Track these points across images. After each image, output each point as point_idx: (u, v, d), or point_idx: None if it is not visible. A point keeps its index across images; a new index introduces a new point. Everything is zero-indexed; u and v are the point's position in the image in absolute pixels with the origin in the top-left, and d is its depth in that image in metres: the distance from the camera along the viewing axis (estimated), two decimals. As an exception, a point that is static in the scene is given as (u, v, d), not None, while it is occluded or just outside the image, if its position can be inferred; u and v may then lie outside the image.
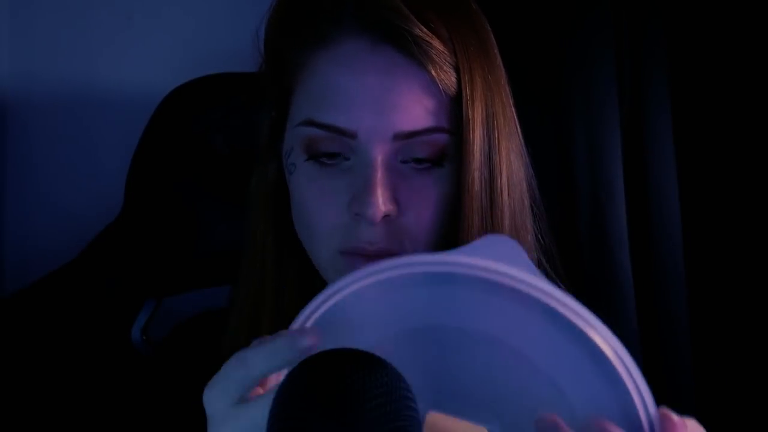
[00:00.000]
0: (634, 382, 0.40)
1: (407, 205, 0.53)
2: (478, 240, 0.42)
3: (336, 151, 0.53)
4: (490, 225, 0.54)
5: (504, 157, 0.55)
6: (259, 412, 0.39)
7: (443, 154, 0.53)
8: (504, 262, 0.40)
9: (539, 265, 0.60)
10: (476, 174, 0.53)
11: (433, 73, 0.51)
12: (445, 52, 0.52)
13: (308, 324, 0.41)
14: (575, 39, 0.90)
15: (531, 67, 0.91)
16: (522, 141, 0.59)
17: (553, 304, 0.40)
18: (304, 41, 0.54)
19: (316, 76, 0.53)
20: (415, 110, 0.51)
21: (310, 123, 0.53)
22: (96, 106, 1.02)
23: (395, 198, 0.53)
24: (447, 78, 0.52)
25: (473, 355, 0.41)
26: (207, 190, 0.80)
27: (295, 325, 0.41)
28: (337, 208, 0.53)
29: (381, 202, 0.51)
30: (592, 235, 0.89)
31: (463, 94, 0.53)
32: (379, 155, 0.52)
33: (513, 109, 0.58)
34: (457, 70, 0.53)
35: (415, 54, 0.51)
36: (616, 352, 0.40)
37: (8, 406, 0.77)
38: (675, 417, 0.41)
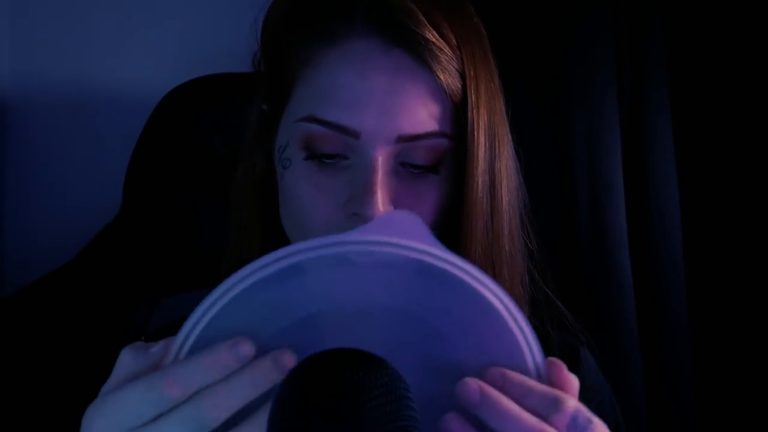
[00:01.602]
0: (522, 331, 0.41)
1: (402, 207, 0.53)
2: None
3: (335, 152, 0.53)
4: (491, 230, 0.54)
5: (504, 164, 0.56)
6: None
7: (441, 160, 0.53)
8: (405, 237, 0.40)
9: (528, 271, 0.60)
10: (480, 180, 0.53)
11: (441, 77, 0.51)
12: (453, 58, 0.52)
13: (187, 343, 0.39)
14: (575, 39, 0.90)
15: (531, 67, 0.91)
16: (514, 149, 0.59)
17: (429, 260, 0.40)
18: (312, 36, 0.54)
19: (322, 72, 0.52)
20: (420, 114, 0.51)
21: (312, 119, 0.52)
22: (96, 106, 1.02)
23: (392, 200, 0.53)
24: (454, 83, 0.52)
25: (365, 330, 0.41)
26: (205, 189, 0.80)
27: (176, 343, 0.39)
28: (331, 207, 0.53)
29: (381, 203, 0.51)
30: (592, 235, 0.89)
31: (469, 101, 0.53)
32: (380, 156, 0.51)
33: (507, 120, 0.58)
34: (462, 76, 0.53)
35: (425, 58, 0.51)
36: (501, 302, 0.41)
37: (8, 406, 0.77)
38: (560, 362, 0.42)
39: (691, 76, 0.92)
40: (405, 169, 0.53)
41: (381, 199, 0.51)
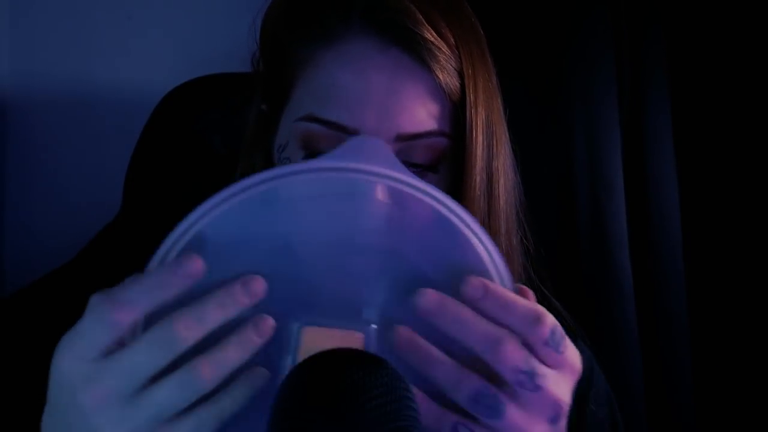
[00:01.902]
0: (489, 254, 0.42)
1: None
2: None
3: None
4: (488, 229, 0.54)
5: (501, 163, 0.56)
6: (143, 357, 0.37)
7: (440, 159, 0.54)
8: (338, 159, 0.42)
9: (524, 269, 0.60)
10: (477, 179, 0.53)
11: (440, 76, 0.51)
12: (452, 57, 0.53)
13: (172, 254, 0.40)
14: (575, 39, 0.90)
15: (531, 67, 0.91)
16: (511, 148, 0.59)
17: (399, 186, 0.42)
18: (310, 36, 0.54)
19: (321, 72, 0.53)
20: (419, 113, 0.51)
21: (311, 118, 0.52)
22: (96, 106, 1.02)
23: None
24: (452, 82, 0.52)
25: (334, 261, 0.42)
26: (205, 190, 0.80)
27: (157, 257, 0.41)
28: None
29: None
30: (592, 235, 0.89)
31: (468, 100, 0.53)
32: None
33: (505, 119, 0.58)
34: (461, 75, 0.53)
35: (423, 57, 0.51)
36: (468, 226, 0.42)
37: (8, 406, 0.77)
38: (529, 290, 0.42)
39: (691, 76, 0.92)
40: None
41: (380, 198, 0.51)
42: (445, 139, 0.53)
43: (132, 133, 0.85)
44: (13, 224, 1.03)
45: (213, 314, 0.38)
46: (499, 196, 0.55)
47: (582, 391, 0.62)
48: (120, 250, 0.84)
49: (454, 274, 0.41)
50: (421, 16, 0.51)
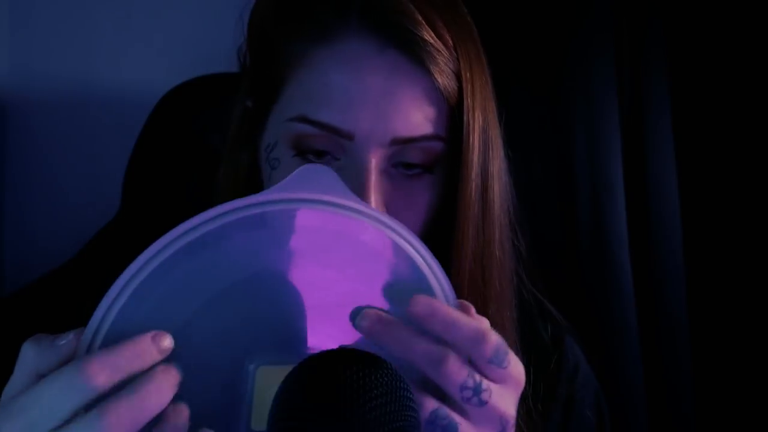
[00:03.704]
0: (433, 272, 0.42)
1: (396, 210, 0.52)
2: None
3: (326, 149, 0.52)
4: (483, 234, 0.54)
5: (496, 168, 0.55)
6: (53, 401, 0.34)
7: (435, 161, 0.53)
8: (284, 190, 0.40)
9: (516, 273, 0.60)
10: (473, 184, 0.52)
11: (438, 79, 0.50)
12: (450, 59, 0.51)
13: (100, 335, 0.37)
14: (575, 39, 0.90)
15: (531, 67, 0.91)
16: (505, 151, 0.58)
17: (331, 210, 0.41)
18: (304, 33, 0.52)
19: (315, 71, 0.51)
20: (415, 116, 0.50)
21: (304, 120, 0.51)
22: (96, 106, 1.02)
23: (385, 202, 0.52)
24: (450, 85, 0.51)
25: (283, 296, 0.41)
26: (204, 189, 0.80)
27: (87, 335, 0.37)
28: None
29: (374, 206, 0.50)
30: (592, 235, 0.89)
31: (465, 103, 0.52)
32: (374, 159, 0.50)
33: (499, 121, 0.58)
34: (458, 78, 0.52)
35: (422, 59, 0.50)
36: (409, 242, 0.42)
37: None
38: (469, 304, 0.42)
39: (691, 76, 0.92)
40: (398, 171, 0.53)
41: (375, 202, 0.50)
42: (441, 143, 0.52)
43: (132, 133, 0.85)
44: (13, 224, 1.03)
45: (148, 405, 0.35)
46: (493, 200, 0.54)
47: (569, 392, 0.62)
48: (119, 250, 0.84)
49: (399, 292, 0.41)
50: (420, 17, 0.50)
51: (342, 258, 0.41)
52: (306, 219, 0.41)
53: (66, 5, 1.02)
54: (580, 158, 0.90)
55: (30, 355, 0.37)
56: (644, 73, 0.91)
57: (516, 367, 0.41)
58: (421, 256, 0.42)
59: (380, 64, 0.50)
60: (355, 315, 0.40)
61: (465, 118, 0.52)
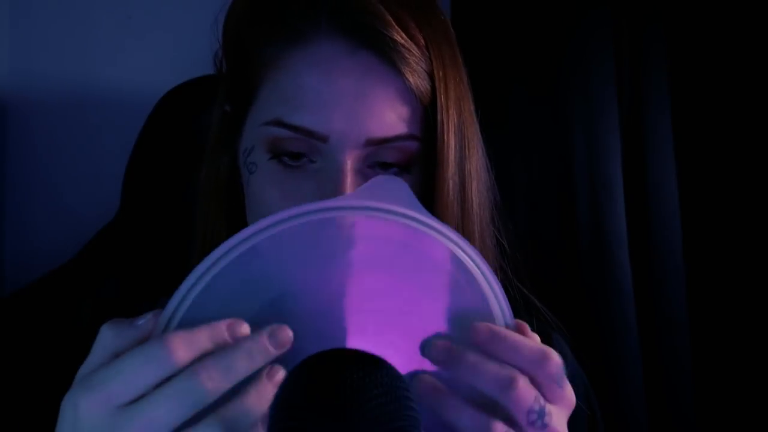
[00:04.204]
0: (493, 291, 0.42)
1: None
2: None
3: (301, 151, 0.52)
4: (462, 233, 0.53)
5: (474, 166, 0.55)
6: (164, 410, 0.35)
7: (412, 161, 0.53)
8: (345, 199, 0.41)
9: (501, 270, 0.60)
10: (450, 183, 0.52)
11: (410, 79, 0.50)
12: (422, 59, 0.51)
13: (175, 318, 0.38)
14: (575, 39, 0.90)
15: (531, 67, 0.91)
16: (483, 149, 0.58)
17: (398, 219, 0.41)
18: (276, 37, 0.52)
19: (288, 75, 0.51)
20: (388, 117, 0.50)
21: (279, 123, 0.51)
22: (96, 106, 1.03)
23: None
24: (423, 85, 0.51)
25: (341, 303, 0.41)
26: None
27: (165, 316, 0.38)
28: None
29: None
30: (592, 235, 0.89)
31: (438, 102, 0.52)
32: (349, 160, 0.50)
33: (476, 119, 0.57)
34: (431, 77, 0.52)
35: (393, 60, 0.50)
36: (480, 270, 0.42)
37: (8, 406, 0.77)
38: (524, 323, 0.42)
39: (691, 76, 0.92)
40: (374, 172, 0.53)
41: None
42: (416, 142, 0.52)
43: (131, 133, 0.85)
44: (13, 224, 1.03)
45: (240, 365, 0.36)
46: (472, 198, 0.54)
47: None
48: (119, 250, 0.84)
49: (460, 310, 0.41)
50: (390, 18, 0.50)
51: (405, 268, 0.41)
52: (372, 228, 0.41)
53: (66, 5, 1.02)
54: (580, 158, 0.90)
55: (108, 335, 0.37)
56: (643, 73, 0.91)
57: (569, 388, 0.41)
58: (483, 274, 0.42)
59: (352, 65, 0.50)
60: (424, 345, 0.41)
61: (439, 117, 0.52)
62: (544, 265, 0.90)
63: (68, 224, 1.01)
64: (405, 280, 0.41)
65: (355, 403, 0.33)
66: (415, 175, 0.53)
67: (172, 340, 0.35)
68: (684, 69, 0.92)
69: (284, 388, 0.36)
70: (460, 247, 0.42)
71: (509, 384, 0.39)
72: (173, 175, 0.82)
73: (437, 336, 0.41)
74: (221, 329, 0.37)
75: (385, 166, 0.52)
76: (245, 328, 0.37)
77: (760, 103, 0.90)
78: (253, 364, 0.36)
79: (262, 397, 0.36)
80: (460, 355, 0.40)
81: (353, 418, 0.33)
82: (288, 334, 0.37)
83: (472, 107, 0.56)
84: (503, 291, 0.42)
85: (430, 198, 0.53)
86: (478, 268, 0.42)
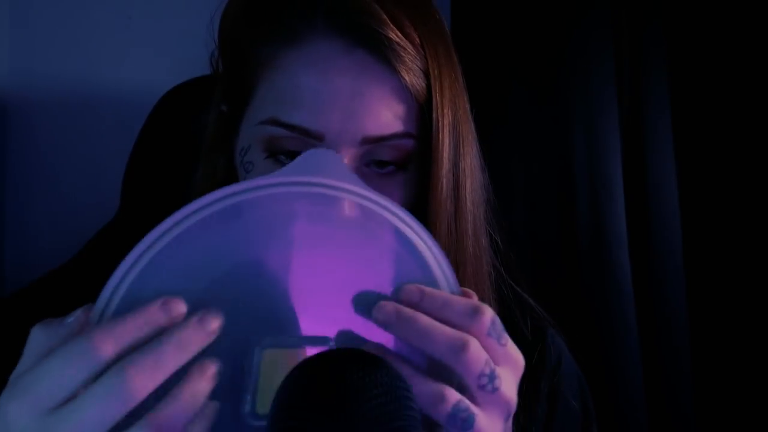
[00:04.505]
0: (436, 259, 0.42)
1: None
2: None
3: (299, 150, 0.52)
4: (455, 230, 0.54)
5: (468, 164, 0.55)
6: (95, 411, 0.33)
7: (408, 158, 0.53)
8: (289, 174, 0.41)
9: (494, 268, 0.60)
10: (444, 180, 0.53)
11: (405, 77, 0.51)
12: (417, 57, 0.52)
13: (110, 308, 0.37)
14: (575, 38, 0.90)
15: (531, 66, 0.91)
16: (478, 147, 0.58)
17: (357, 200, 0.42)
18: (272, 37, 0.53)
19: (284, 74, 0.51)
20: (384, 115, 0.51)
21: (275, 122, 0.51)
22: (96, 106, 1.03)
23: None
24: (418, 83, 0.52)
25: (286, 278, 0.41)
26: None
27: (98, 308, 0.37)
28: None
29: None
30: (592, 235, 0.89)
31: (434, 100, 0.52)
32: (345, 158, 0.51)
33: (471, 118, 0.58)
34: (426, 75, 0.52)
35: (389, 58, 0.50)
36: (419, 236, 0.42)
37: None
38: (472, 291, 0.42)
39: (691, 76, 0.92)
40: (371, 170, 0.53)
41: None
42: (412, 140, 0.52)
43: (131, 133, 0.85)
44: (13, 224, 1.03)
45: (170, 357, 0.34)
46: (465, 197, 0.55)
47: (553, 384, 0.62)
48: (119, 250, 0.84)
49: (403, 279, 0.41)
50: (385, 17, 0.51)
51: (346, 244, 0.42)
52: (311, 203, 0.41)
53: (66, 5, 1.02)
54: (580, 158, 0.90)
55: (38, 335, 0.36)
56: (643, 73, 0.91)
57: (513, 348, 0.41)
58: (424, 242, 0.42)
59: (348, 64, 0.50)
60: (359, 302, 0.40)
61: (434, 115, 0.52)
62: (543, 265, 0.91)
63: (68, 224, 1.01)
64: (347, 256, 0.41)
65: (355, 403, 0.34)
66: (412, 173, 0.54)
67: (97, 334, 0.34)
68: (684, 69, 0.92)
69: (284, 388, 0.36)
70: (400, 219, 0.42)
71: (461, 347, 0.38)
72: (173, 175, 0.82)
73: (384, 297, 0.40)
74: (153, 311, 0.35)
75: (381, 164, 0.53)
76: (181, 306, 0.36)
77: (760, 103, 0.90)
78: (184, 355, 0.35)
79: (196, 395, 0.35)
80: (410, 317, 0.39)
81: (353, 418, 0.33)
82: (216, 320, 0.36)
83: (468, 106, 0.57)
84: (447, 259, 0.43)
85: (424, 195, 0.53)
86: (420, 237, 0.42)
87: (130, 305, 0.36)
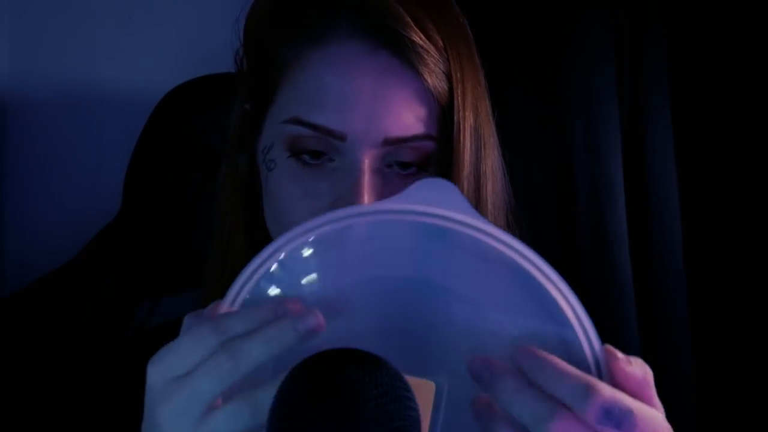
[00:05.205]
0: (578, 319, 0.41)
1: None
2: (412, 185, 0.43)
3: (320, 149, 0.53)
4: None
5: (489, 167, 0.55)
6: (206, 381, 0.38)
7: (428, 160, 0.53)
8: (443, 206, 0.42)
9: None
10: (465, 183, 0.53)
11: (428, 80, 0.51)
12: (440, 60, 0.52)
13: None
14: (575, 39, 0.90)
15: (531, 67, 0.91)
16: (500, 151, 0.58)
17: (495, 244, 0.41)
18: (297, 37, 0.53)
19: (308, 74, 0.52)
20: (406, 117, 0.51)
21: (298, 121, 0.52)
22: (96, 106, 1.02)
23: None
24: (440, 86, 0.52)
25: (417, 305, 0.41)
26: (205, 189, 0.80)
27: (227, 300, 0.41)
28: (317, 209, 0.52)
29: None
30: (592, 234, 0.89)
31: (456, 103, 0.53)
32: (366, 159, 0.51)
33: (493, 121, 0.58)
34: (449, 78, 0.53)
35: (412, 60, 0.51)
36: (558, 289, 0.42)
37: (8, 406, 0.77)
38: (620, 353, 0.41)
39: (691, 76, 0.92)
40: (392, 171, 0.53)
41: (368, 202, 0.51)
42: (433, 142, 0.53)
43: (132, 134, 0.85)
44: (13, 224, 1.03)
45: (259, 347, 0.38)
46: (486, 199, 0.55)
47: None
48: (120, 250, 0.85)
49: (534, 334, 0.40)
50: (409, 19, 0.51)
51: (491, 288, 0.42)
52: (459, 240, 0.41)
53: (66, 5, 1.02)
54: (580, 158, 0.90)
55: (186, 320, 0.42)
56: (644, 73, 0.91)
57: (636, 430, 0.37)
58: (563, 295, 0.42)
59: (371, 65, 0.51)
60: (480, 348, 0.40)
61: (455, 117, 0.53)
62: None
63: (68, 224, 1.01)
64: (490, 300, 0.41)
65: (355, 403, 0.33)
66: (433, 174, 0.54)
67: (221, 321, 0.39)
68: (684, 69, 0.92)
69: (284, 388, 0.36)
70: (535, 265, 0.42)
71: (543, 418, 0.36)
72: (175, 176, 0.82)
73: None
74: (271, 307, 0.39)
75: (403, 166, 0.53)
76: (296, 306, 0.39)
77: (761, 103, 0.90)
78: (269, 347, 0.38)
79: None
80: (499, 375, 0.37)
81: (353, 418, 0.33)
82: (318, 320, 0.39)
83: (490, 109, 0.57)
84: (587, 314, 0.42)
85: None
86: (558, 289, 0.42)
87: (255, 300, 0.41)
